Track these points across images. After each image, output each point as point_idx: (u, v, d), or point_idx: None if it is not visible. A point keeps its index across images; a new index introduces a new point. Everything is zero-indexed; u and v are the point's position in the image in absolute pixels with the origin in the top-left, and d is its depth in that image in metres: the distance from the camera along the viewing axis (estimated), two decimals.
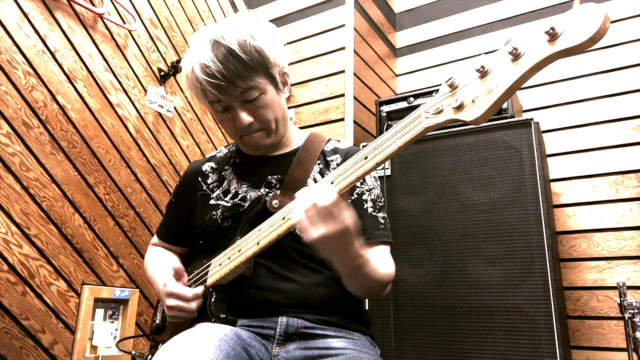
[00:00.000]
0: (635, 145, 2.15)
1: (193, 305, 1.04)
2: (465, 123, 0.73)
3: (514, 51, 0.67)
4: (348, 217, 0.83)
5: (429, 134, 2.00)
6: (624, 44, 2.27)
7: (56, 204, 1.78)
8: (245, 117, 1.06)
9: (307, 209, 0.82)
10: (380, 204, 1.16)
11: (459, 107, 0.73)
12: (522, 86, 2.57)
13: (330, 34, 2.57)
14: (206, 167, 1.26)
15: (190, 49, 1.08)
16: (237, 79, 1.02)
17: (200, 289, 1.06)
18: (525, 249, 1.71)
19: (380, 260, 1.04)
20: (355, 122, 2.37)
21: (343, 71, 2.46)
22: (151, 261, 1.29)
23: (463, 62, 2.67)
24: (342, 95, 2.43)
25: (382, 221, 1.14)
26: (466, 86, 0.73)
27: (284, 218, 0.94)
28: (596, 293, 2.10)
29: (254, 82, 1.05)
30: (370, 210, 1.13)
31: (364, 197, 1.13)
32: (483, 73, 0.71)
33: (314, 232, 0.82)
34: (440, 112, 0.76)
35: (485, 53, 0.73)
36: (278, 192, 1.08)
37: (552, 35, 0.63)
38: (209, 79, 1.01)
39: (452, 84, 0.74)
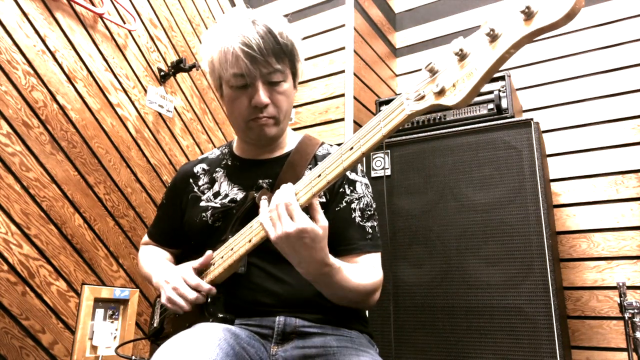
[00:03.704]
0: (635, 145, 2.15)
1: (193, 296, 0.99)
2: (448, 108, 0.72)
3: (492, 32, 0.66)
4: (308, 220, 0.87)
5: (429, 134, 2.02)
6: (624, 44, 2.27)
7: (56, 204, 1.78)
8: (264, 97, 1.08)
9: (270, 210, 0.89)
10: (369, 213, 1.14)
11: (440, 92, 0.72)
12: (522, 86, 2.53)
13: (330, 34, 2.57)
14: (197, 168, 1.25)
15: (224, 24, 1.09)
16: (271, 57, 1.06)
17: (213, 289, 1.02)
18: (525, 249, 1.71)
19: (358, 271, 1.04)
20: (355, 122, 2.37)
21: (343, 71, 2.46)
22: (148, 257, 1.28)
23: None
24: (342, 95, 2.43)
25: (370, 231, 1.12)
26: (446, 70, 0.72)
27: None
28: (596, 293, 2.10)
29: (283, 65, 1.09)
30: (357, 220, 1.12)
31: (353, 205, 1.12)
32: (462, 56, 0.70)
33: (273, 232, 0.88)
34: (422, 98, 0.75)
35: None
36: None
37: (528, 15, 0.63)
38: (246, 49, 1.03)
39: (432, 69, 0.74)
